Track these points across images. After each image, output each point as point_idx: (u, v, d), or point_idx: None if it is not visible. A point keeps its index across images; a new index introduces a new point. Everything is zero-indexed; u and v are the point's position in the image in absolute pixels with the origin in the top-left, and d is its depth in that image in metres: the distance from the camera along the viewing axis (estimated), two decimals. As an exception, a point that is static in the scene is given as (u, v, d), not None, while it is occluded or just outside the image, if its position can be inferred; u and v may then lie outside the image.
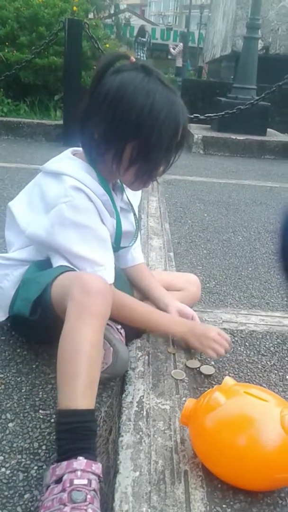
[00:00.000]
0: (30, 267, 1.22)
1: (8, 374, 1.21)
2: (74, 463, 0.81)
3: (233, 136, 5.18)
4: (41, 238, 1.17)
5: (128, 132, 1.10)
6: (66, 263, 1.15)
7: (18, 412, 1.09)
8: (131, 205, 1.34)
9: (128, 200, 1.33)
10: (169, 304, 1.40)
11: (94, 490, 0.80)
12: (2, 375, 1.20)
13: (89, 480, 0.80)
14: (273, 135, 5.62)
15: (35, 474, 0.94)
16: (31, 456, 0.98)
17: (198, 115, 5.00)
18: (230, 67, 8.59)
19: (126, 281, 1.43)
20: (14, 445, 1.00)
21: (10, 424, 1.05)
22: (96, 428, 0.90)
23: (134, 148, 1.11)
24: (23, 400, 1.13)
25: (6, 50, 5.43)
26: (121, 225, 1.26)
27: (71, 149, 1.27)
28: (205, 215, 2.85)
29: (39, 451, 0.99)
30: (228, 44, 8.57)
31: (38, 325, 1.16)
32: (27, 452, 0.99)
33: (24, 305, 1.15)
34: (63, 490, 0.78)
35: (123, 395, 1.16)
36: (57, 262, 1.16)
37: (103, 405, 1.13)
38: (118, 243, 1.29)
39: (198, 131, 5.39)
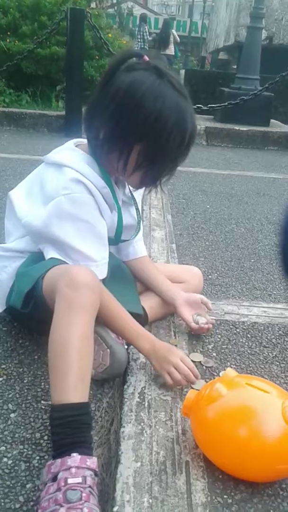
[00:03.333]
0: (26, 260, 1.22)
1: (10, 365, 1.21)
2: (68, 460, 0.81)
3: (236, 127, 5.14)
4: (37, 228, 1.16)
5: (133, 136, 1.08)
6: (58, 256, 1.14)
7: (20, 402, 1.09)
8: (134, 199, 1.34)
9: (131, 193, 1.33)
10: (175, 298, 1.39)
11: (89, 486, 0.80)
12: (4, 366, 1.21)
13: (84, 477, 0.80)
14: (277, 126, 5.57)
15: (37, 464, 0.94)
16: (33, 447, 0.98)
17: (201, 106, 4.97)
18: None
19: (129, 274, 1.42)
20: (16, 435, 1.00)
21: (12, 415, 1.06)
22: (91, 421, 0.90)
23: (140, 153, 1.10)
24: (25, 390, 1.13)
25: (8, 40, 5.38)
26: (122, 219, 1.25)
27: (74, 140, 1.26)
28: (208, 206, 2.84)
29: (41, 441, 1.00)
30: (232, 34, 8.49)
31: (31, 317, 1.15)
32: (29, 442, 0.99)
33: (17, 298, 1.15)
34: (58, 490, 0.78)
35: (125, 386, 1.16)
36: (49, 254, 1.16)
37: (105, 396, 1.14)
38: (118, 236, 1.28)
39: (201, 122, 5.35)
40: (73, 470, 0.80)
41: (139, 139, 1.08)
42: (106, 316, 1.14)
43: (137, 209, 1.35)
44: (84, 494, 0.78)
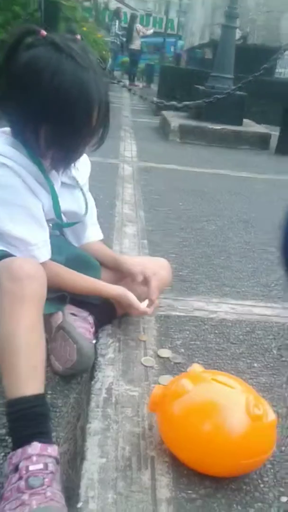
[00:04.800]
0: None
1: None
2: (28, 449, 0.81)
3: (210, 126, 5.18)
4: None
5: (37, 117, 1.04)
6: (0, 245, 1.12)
7: (-15, 398, 1.07)
8: (77, 181, 1.31)
9: (73, 176, 1.29)
10: (132, 270, 1.39)
11: (51, 472, 0.79)
12: None
13: (45, 464, 0.79)
14: (249, 125, 5.64)
15: (1, 461, 0.92)
16: (-3, 443, 0.96)
17: (175, 103, 4.98)
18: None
19: (93, 263, 1.39)
20: (-20, 432, 0.99)
21: (-24, 411, 1.04)
22: (48, 411, 0.89)
23: (47, 132, 1.06)
24: (-10, 386, 1.11)
25: (-19, 30, 5.26)
26: (58, 200, 1.22)
27: (2, 129, 1.22)
28: (180, 203, 2.85)
29: (6, 437, 0.97)
30: (207, 32, 8.54)
31: None
32: (-7, 439, 0.97)
33: None
34: (20, 478, 0.78)
35: (92, 382, 1.16)
36: None
37: (72, 392, 1.13)
38: (59, 217, 1.25)
39: (175, 119, 5.37)
40: (34, 458, 0.79)
41: (43, 119, 1.05)
42: (66, 283, 1.20)
43: (81, 190, 1.32)
44: (46, 479, 0.77)
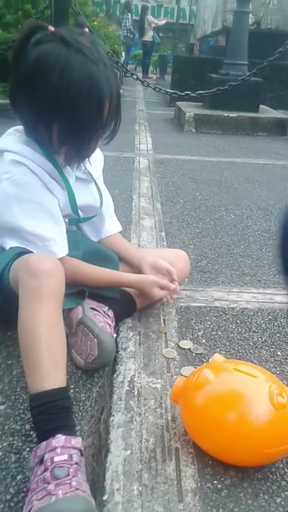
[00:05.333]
0: None
1: (-2, 358, 1.20)
2: (52, 442, 0.81)
3: (225, 114, 5.11)
4: None
5: (49, 114, 1.04)
6: (17, 244, 1.13)
7: (10, 394, 1.09)
8: (91, 175, 1.31)
9: (87, 170, 1.29)
10: (141, 262, 1.39)
11: (76, 463, 0.80)
12: (-8, 359, 1.20)
13: (70, 455, 0.80)
14: (266, 112, 5.55)
15: (27, 456, 0.94)
16: (23, 438, 0.97)
17: (189, 93, 4.93)
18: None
19: (112, 257, 1.39)
20: (6, 427, 1.00)
21: (2, 407, 1.05)
22: (70, 404, 0.90)
23: (59, 129, 1.06)
24: (14, 382, 1.12)
25: (-8, 29, 5.31)
26: (74, 195, 1.23)
27: (15, 127, 1.22)
28: (197, 194, 2.83)
29: (31, 432, 0.99)
30: (219, 19, 8.42)
31: (6, 310, 1.14)
32: (19, 434, 0.98)
33: None
34: (45, 470, 0.78)
35: (114, 375, 1.16)
36: (9, 244, 1.14)
37: (95, 386, 1.13)
38: (76, 213, 1.26)
39: (189, 109, 5.32)
40: (59, 450, 0.80)
41: (55, 116, 1.04)
42: (88, 278, 1.23)
43: (96, 184, 1.32)
44: (71, 470, 0.78)
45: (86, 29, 1.11)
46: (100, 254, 1.35)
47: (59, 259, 1.11)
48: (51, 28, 1.05)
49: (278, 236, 0.81)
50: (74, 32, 1.06)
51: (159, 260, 1.39)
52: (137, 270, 1.40)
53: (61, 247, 1.16)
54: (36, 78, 1.01)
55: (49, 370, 0.88)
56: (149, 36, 13.43)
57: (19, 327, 0.93)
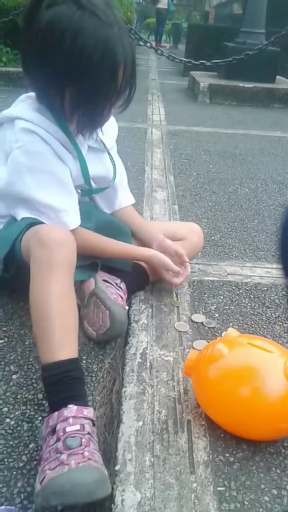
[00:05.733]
0: (6, 224, 1.19)
1: (11, 327, 1.20)
2: (64, 412, 0.81)
3: (241, 84, 4.99)
4: (3, 189, 1.13)
5: (61, 79, 1.00)
6: (28, 214, 1.11)
7: (22, 364, 1.09)
8: (104, 144, 1.27)
9: (101, 139, 1.26)
10: (152, 241, 1.37)
11: (88, 433, 0.80)
12: (5, 328, 1.20)
13: (82, 425, 0.80)
14: (283, 83, 5.40)
15: (39, 425, 0.94)
16: (36, 407, 0.98)
17: (204, 62, 4.80)
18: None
19: (124, 229, 1.37)
20: (19, 396, 1.01)
21: (14, 376, 1.06)
22: (82, 375, 0.90)
23: (72, 95, 1.02)
24: (27, 352, 1.13)
25: (3, -6, 5.18)
26: (86, 165, 1.20)
27: (27, 93, 1.18)
28: (211, 166, 2.78)
29: (43, 402, 1.00)
30: (236, -15, 8.13)
31: (18, 280, 1.13)
32: (31, 403, 0.99)
33: None
34: (58, 440, 0.78)
35: (127, 347, 1.16)
36: (20, 215, 1.13)
37: (107, 357, 1.14)
38: (88, 183, 1.23)
39: (204, 79, 5.20)
40: (71, 420, 0.80)
41: (67, 81, 1.00)
42: (99, 251, 1.21)
43: (109, 154, 1.29)
44: (83, 440, 0.78)
45: None
46: (113, 226, 1.33)
47: (71, 230, 1.10)
48: None
49: (279, 237, 0.78)
50: None
51: (166, 241, 1.36)
52: (148, 246, 1.38)
53: (73, 218, 1.15)
54: (48, 41, 0.97)
55: (61, 341, 0.88)
56: (163, 3, 13.02)
57: (30, 298, 0.93)
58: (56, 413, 0.82)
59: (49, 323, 0.89)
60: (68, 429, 0.79)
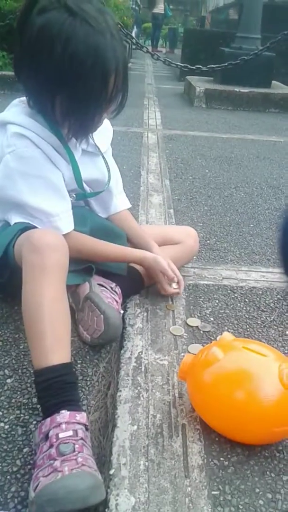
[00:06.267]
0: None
1: (5, 331, 1.20)
2: (57, 418, 0.81)
3: (237, 89, 5.01)
4: None
5: (52, 86, 1.00)
6: (21, 219, 1.11)
7: (17, 368, 1.09)
8: (98, 148, 1.27)
9: (94, 143, 1.25)
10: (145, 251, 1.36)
11: (81, 439, 0.79)
12: (0, 332, 1.20)
13: (75, 431, 0.80)
14: (278, 88, 5.43)
15: (33, 429, 0.94)
16: (30, 411, 0.98)
17: (200, 66, 4.82)
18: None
19: (119, 233, 1.37)
20: (13, 400, 1.00)
21: (9, 380, 1.05)
22: (75, 379, 0.89)
23: (63, 101, 1.02)
24: (22, 356, 1.12)
25: (-1, -1, 5.19)
26: (79, 169, 1.20)
27: (20, 98, 1.18)
28: (207, 171, 2.79)
29: (38, 406, 0.99)
30: (232, -10, 8.18)
31: (11, 285, 1.13)
32: (26, 407, 0.99)
33: None
34: (51, 446, 0.78)
35: (122, 351, 1.16)
36: (13, 220, 1.13)
37: (102, 361, 1.13)
38: (81, 186, 1.23)
39: (200, 84, 5.22)
40: (63, 425, 0.80)
41: (58, 88, 1.00)
42: (95, 253, 1.22)
43: (104, 158, 1.29)
44: (77, 446, 0.78)
45: None
46: (108, 230, 1.33)
47: (65, 234, 1.10)
48: None
49: (279, 238, 0.78)
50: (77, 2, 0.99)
51: (158, 258, 1.32)
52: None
53: (66, 223, 1.14)
54: (39, 48, 0.97)
55: (53, 345, 0.88)
56: (160, 8, 13.08)
57: (23, 302, 0.93)
58: (48, 419, 0.82)
59: (40, 327, 0.88)
60: (61, 435, 0.79)
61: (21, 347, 1.15)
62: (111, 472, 0.83)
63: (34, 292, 0.91)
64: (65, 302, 0.95)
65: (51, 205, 1.11)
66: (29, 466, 0.86)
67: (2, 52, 5.26)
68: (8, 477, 0.84)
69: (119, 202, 1.41)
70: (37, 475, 0.76)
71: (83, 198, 1.29)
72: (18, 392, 1.02)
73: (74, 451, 0.76)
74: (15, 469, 0.86)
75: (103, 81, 1.00)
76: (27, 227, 1.08)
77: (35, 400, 1.00)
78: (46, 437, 0.80)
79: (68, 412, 0.81)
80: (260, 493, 0.82)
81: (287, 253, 0.74)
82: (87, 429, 0.83)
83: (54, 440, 0.78)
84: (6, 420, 0.95)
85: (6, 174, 1.09)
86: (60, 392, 0.84)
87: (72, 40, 0.95)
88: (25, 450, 0.89)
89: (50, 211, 1.11)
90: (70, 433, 0.79)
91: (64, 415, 0.81)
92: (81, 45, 0.95)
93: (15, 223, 1.12)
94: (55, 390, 0.84)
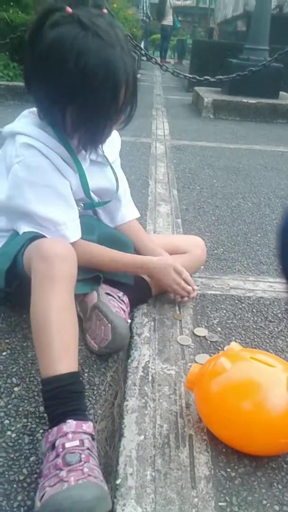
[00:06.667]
0: (8, 239, 1.20)
1: (14, 339, 1.21)
2: (64, 427, 0.81)
3: (245, 100, 5.03)
4: (3, 203, 1.15)
5: (63, 98, 1.02)
6: (30, 228, 1.12)
7: (24, 376, 1.09)
8: (107, 158, 1.28)
9: (103, 153, 1.27)
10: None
11: (88, 449, 0.79)
12: (8, 340, 1.20)
13: (81, 440, 0.80)
14: (286, 99, 5.45)
15: (40, 438, 0.94)
16: (37, 420, 0.98)
17: (209, 78, 4.85)
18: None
19: (127, 242, 1.37)
20: (20, 409, 1.00)
21: (16, 389, 1.05)
22: (82, 388, 0.90)
23: (74, 113, 1.04)
24: (29, 365, 1.13)
25: (11, 11, 5.27)
26: (86, 178, 1.21)
27: (30, 109, 1.20)
28: (214, 181, 2.80)
29: (45, 415, 0.99)
30: (240, 3, 8.25)
31: (20, 295, 1.14)
32: (33, 416, 0.99)
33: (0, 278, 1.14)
34: (57, 456, 0.78)
35: (129, 360, 1.16)
36: (22, 229, 1.14)
37: (109, 370, 1.13)
38: (89, 196, 1.24)
39: (208, 95, 5.25)
40: (70, 435, 0.80)
41: (69, 100, 1.02)
42: (103, 262, 1.22)
43: (112, 168, 1.30)
44: (83, 456, 0.77)
45: (105, 10, 1.09)
46: (115, 239, 1.34)
47: (72, 243, 1.11)
48: (69, 9, 1.02)
49: (278, 238, 0.78)
50: (92, 13, 1.03)
51: (176, 264, 1.34)
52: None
53: (73, 231, 1.15)
54: (51, 61, 0.99)
55: (60, 354, 0.88)
56: (168, 20, 13.21)
57: (31, 311, 0.93)
58: (55, 428, 0.82)
59: (48, 336, 0.89)
60: (67, 445, 0.79)
61: (29, 355, 1.15)
62: (118, 482, 0.83)
63: (42, 301, 0.92)
64: (73, 311, 0.95)
65: (58, 214, 1.12)
66: (35, 475, 0.86)
67: (13, 63, 5.34)
68: (14, 485, 0.84)
69: (127, 212, 1.41)
70: (43, 485, 0.76)
71: (91, 207, 1.30)
72: (26, 401, 1.02)
73: (80, 461, 0.76)
74: (21, 477, 0.86)
75: (114, 93, 1.02)
76: (35, 236, 1.09)
77: (42, 408, 1.01)
78: (53, 446, 0.80)
79: (75, 422, 0.82)
80: (268, 505, 0.82)
81: (286, 253, 0.74)
82: (93, 439, 0.82)
83: (61, 449, 0.78)
84: (13, 428, 0.96)
85: (14, 184, 1.11)
86: (67, 401, 0.84)
87: (85, 53, 0.97)
88: (31, 458, 0.89)
89: (57, 220, 1.12)
90: (77, 442, 0.79)
91: (70, 424, 0.81)
92: (93, 59, 0.97)
93: (24, 232, 1.13)
94: (61, 399, 0.84)
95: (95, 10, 1.07)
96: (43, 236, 1.10)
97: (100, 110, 1.03)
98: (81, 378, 0.92)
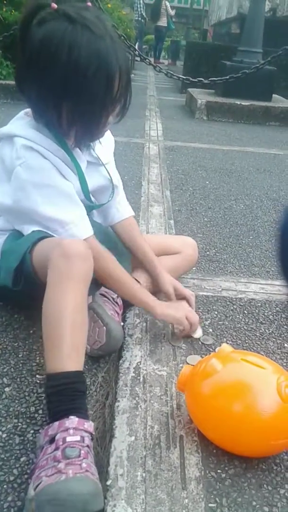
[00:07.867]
0: (8, 238, 1.19)
1: (5, 340, 1.20)
2: (66, 422, 0.81)
3: (238, 102, 5.05)
4: (9, 207, 1.14)
5: (57, 94, 1.02)
6: (38, 228, 1.12)
7: (15, 377, 1.09)
8: (100, 160, 1.28)
9: (96, 155, 1.26)
10: (164, 282, 1.33)
11: (87, 446, 0.80)
12: (-1, 341, 1.20)
13: (82, 437, 0.80)
14: (279, 101, 5.48)
15: (31, 438, 0.94)
16: (28, 420, 0.98)
17: (202, 79, 4.86)
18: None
19: (121, 247, 1.38)
20: (11, 409, 1.00)
21: (7, 389, 1.05)
22: (85, 388, 0.90)
23: (69, 109, 1.04)
24: (20, 365, 1.12)
25: (4, 9, 5.24)
26: (86, 180, 1.21)
27: (25, 110, 1.19)
28: (207, 182, 2.81)
29: (36, 415, 0.99)
30: (234, 5, 8.28)
31: (23, 294, 1.13)
32: (24, 416, 0.99)
33: (6, 276, 1.13)
34: (57, 448, 0.78)
35: (120, 361, 1.16)
36: (29, 229, 1.13)
37: (100, 371, 1.13)
38: (88, 198, 1.24)
39: (201, 96, 5.26)
40: (71, 431, 0.80)
41: (64, 96, 1.02)
42: (113, 284, 1.20)
43: (105, 167, 1.29)
44: (82, 452, 0.78)
45: (89, 3, 1.08)
46: (111, 246, 1.33)
47: (85, 239, 1.10)
48: (54, 5, 1.02)
49: (277, 238, 0.78)
50: (78, 7, 1.03)
51: (178, 285, 1.33)
52: (149, 272, 1.36)
53: (83, 228, 1.14)
54: (43, 58, 0.99)
55: (70, 353, 0.89)
56: (163, 21, 13.23)
57: (44, 306, 0.93)
58: (57, 422, 0.82)
59: (61, 334, 0.89)
60: (68, 439, 0.79)
61: (20, 355, 1.15)
62: (108, 482, 0.83)
63: (59, 297, 0.92)
64: (85, 312, 0.96)
65: (64, 213, 1.12)
66: (26, 476, 0.86)
67: (6, 61, 5.31)
68: (4, 486, 0.84)
69: (121, 210, 1.40)
70: (39, 475, 0.76)
71: (90, 210, 1.29)
72: (16, 401, 1.02)
73: (79, 456, 0.77)
74: (12, 478, 0.85)
75: (108, 84, 1.02)
76: (45, 236, 1.09)
77: (33, 409, 1.00)
78: (52, 440, 0.80)
79: (77, 419, 0.82)
80: (257, 506, 0.82)
81: (286, 253, 0.74)
82: (92, 439, 0.83)
83: (61, 443, 0.79)
84: (3, 429, 0.95)
85: (19, 186, 1.10)
86: (70, 399, 0.85)
87: (76, 46, 0.97)
88: (22, 459, 0.89)
89: (63, 219, 1.11)
90: (78, 438, 0.79)
91: (73, 420, 0.81)
92: (84, 51, 0.98)
93: (33, 231, 1.12)
94: (66, 395, 0.85)
95: (80, 4, 1.07)
96: (52, 236, 1.10)
97: (95, 101, 1.03)
98: (85, 379, 0.92)
